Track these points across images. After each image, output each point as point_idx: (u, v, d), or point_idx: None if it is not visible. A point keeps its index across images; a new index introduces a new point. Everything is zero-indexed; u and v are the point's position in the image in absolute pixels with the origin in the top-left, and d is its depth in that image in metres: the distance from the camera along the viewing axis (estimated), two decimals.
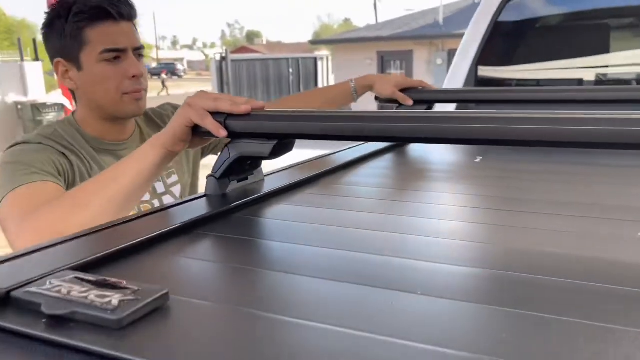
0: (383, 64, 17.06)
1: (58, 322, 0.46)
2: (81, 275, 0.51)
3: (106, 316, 0.44)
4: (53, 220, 0.89)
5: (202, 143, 0.96)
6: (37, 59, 11.91)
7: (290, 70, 17.81)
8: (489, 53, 2.05)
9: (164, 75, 32.21)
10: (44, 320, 0.46)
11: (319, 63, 19.02)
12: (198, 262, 0.66)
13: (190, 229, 0.74)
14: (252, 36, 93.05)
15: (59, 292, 0.48)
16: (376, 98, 1.61)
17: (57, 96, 11.06)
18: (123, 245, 0.63)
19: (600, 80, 1.92)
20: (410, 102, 1.54)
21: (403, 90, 1.56)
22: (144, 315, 0.46)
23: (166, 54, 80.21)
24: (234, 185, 0.90)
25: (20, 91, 11.07)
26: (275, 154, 0.85)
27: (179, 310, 0.49)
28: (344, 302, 0.53)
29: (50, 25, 1.26)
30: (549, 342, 0.44)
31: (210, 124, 0.85)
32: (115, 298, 0.46)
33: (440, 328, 0.48)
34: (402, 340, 0.44)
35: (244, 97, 0.89)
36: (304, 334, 0.46)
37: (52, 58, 1.28)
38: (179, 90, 29.57)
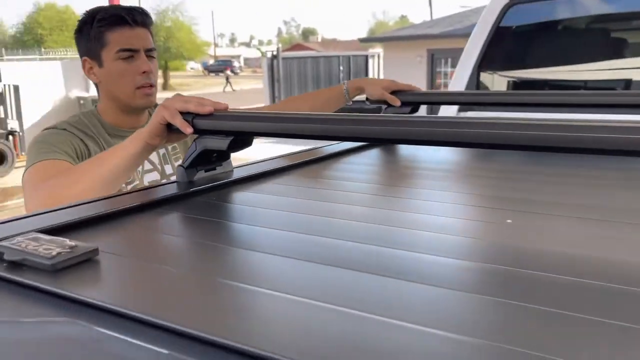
0: (433, 61, 16.91)
1: (15, 266, 0.63)
2: (40, 235, 0.68)
3: (45, 262, 0.61)
4: (54, 191, 1.11)
5: (179, 138, 1.13)
6: None
7: (341, 68, 17.95)
8: (489, 58, 2.14)
9: (228, 72, 33.09)
10: (5, 265, 0.63)
11: (370, 61, 19.08)
12: (147, 231, 0.82)
13: (152, 207, 0.91)
14: (307, 33, 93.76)
15: (19, 245, 0.65)
16: (367, 99, 1.74)
17: None
18: (88, 216, 0.81)
19: (596, 86, 1.97)
20: (398, 103, 1.66)
21: (393, 93, 1.69)
22: (75, 263, 0.63)
23: (224, 51, 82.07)
24: (201, 175, 1.06)
25: (83, 87, 11.75)
26: (232, 148, 1.01)
27: (109, 263, 0.66)
28: (286, 271, 0.66)
29: (80, 30, 1.50)
30: (522, 326, 0.50)
31: (179, 122, 1.01)
32: (55, 250, 0.63)
33: (385, 298, 0.57)
34: (343, 308, 0.53)
35: (222, 103, 1.05)
36: (228, 291, 0.60)
37: (81, 57, 1.51)
38: (235, 87, 30.26)
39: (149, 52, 1.49)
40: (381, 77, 19.02)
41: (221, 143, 1.00)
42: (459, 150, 1.46)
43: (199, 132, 1.02)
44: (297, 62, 17.28)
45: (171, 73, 34.17)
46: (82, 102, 11.13)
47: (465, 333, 0.49)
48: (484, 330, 0.51)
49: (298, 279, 0.64)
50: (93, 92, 11.73)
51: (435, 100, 1.70)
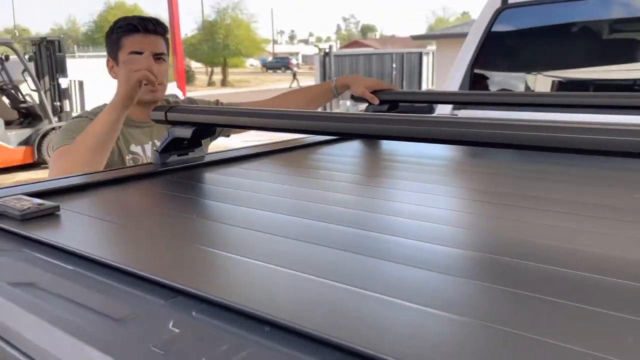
0: None
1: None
2: (23, 196, 0.93)
3: (16, 213, 0.85)
4: (64, 164, 1.38)
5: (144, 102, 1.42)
6: None
7: (394, 65, 17.96)
8: (482, 59, 2.27)
9: (295, 69, 33.65)
10: None
11: (424, 58, 18.97)
12: (111, 197, 1.05)
13: (123, 181, 1.14)
14: (366, 30, 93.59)
15: (4, 202, 0.89)
16: (351, 96, 1.93)
17: (172, 88, 12.22)
18: (64, 185, 1.05)
19: (582, 88, 2.07)
20: (376, 101, 1.84)
21: (375, 92, 1.87)
22: (39, 215, 0.86)
23: (283, 48, 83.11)
24: (174, 158, 1.29)
25: None
26: (196, 137, 1.23)
27: (66, 217, 0.89)
28: (242, 237, 0.88)
29: (107, 36, 1.78)
30: (495, 304, 0.56)
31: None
32: (26, 205, 0.87)
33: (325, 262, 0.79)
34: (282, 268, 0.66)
35: None
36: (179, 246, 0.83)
37: (107, 57, 1.78)
38: (292, 84, 30.74)
39: (157, 56, 1.74)
40: (434, 74, 18.89)
41: (186, 132, 1.22)
42: (444, 147, 1.59)
43: (171, 123, 1.25)
44: (350, 59, 17.45)
45: (231, 70, 35.09)
46: None
47: (437, 307, 0.54)
48: (455, 305, 0.56)
49: (236, 238, 0.85)
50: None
51: (411, 100, 1.87)
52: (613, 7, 2.06)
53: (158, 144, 1.80)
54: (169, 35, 1.89)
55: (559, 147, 0.76)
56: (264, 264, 0.67)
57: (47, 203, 0.89)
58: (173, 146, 1.27)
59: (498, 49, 2.27)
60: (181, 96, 10.21)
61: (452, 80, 2.34)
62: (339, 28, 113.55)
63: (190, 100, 2.06)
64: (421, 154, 1.49)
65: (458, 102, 1.83)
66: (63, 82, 9.16)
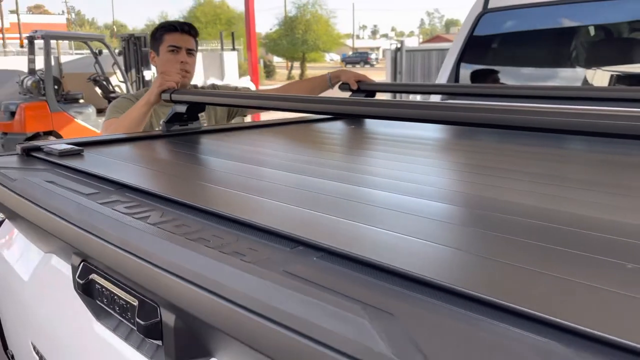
0: None
1: (50, 154, 1.40)
2: (67, 146, 1.45)
3: (55, 153, 1.37)
4: (109, 133, 1.93)
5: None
6: (233, 49, 14.07)
7: None
8: (466, 56, 2.61)
9: (374, 63, 34.00)
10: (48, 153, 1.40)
11: None
12: (126, 148, 1.56)
13: (138, 140, 1.65)
14: (450, 25, 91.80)
15: (53, 146, 1.41)
16: (340, 84, 2.36)
17: (246, 81, 12.99)
18: (94, 139, 1.57)
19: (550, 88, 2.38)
20: (355, 86, 2.28)
21: (358, 82, 2.30)
22: (69, 154, 1.38)
23: (365, 43, 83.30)
24: (177, 128, 1.78)
25: (218, 76, 13.24)
26: (190, 111, 1.72)
27: (87, 156, 1.40)
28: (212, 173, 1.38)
29: (152, 34, 2.33)
30: (465, 238, 0.72)
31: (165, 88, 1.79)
32: (65, 148, 1.39)
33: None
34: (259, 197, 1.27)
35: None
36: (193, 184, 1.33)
37: (150, 49, 2.33)
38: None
39: (189, 50, 2.28)
40: None
41: (182, 108, 1.71)
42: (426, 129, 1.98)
43: (174, 102, 1.75)
44: (421, 54, 17.50)
45: (310, 64, 35.91)
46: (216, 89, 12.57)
47: (415, 235, 0.70)
48: (429, 235, 0.72)
49: (211, 173, 1.33)
50: (227, 81, 13.16)
51: (385, 90, 2.27)
52: (583, 13, 2.35)
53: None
54: (198, 38, 2.42)
55: (525, 126, 0.90)
56: (257, 197, 1.14)
57: (76, 148, 1.41)
58: (175, 118, 1.77)
59: (479, 48, 2.60)
60: (253, 88, 10.92)
61: (442, 76, 2.70)
62: (422, 22, 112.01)
63: (213, 86, 2.58)
64: (401, 134, 1.91)
65: (422, 92, 2.21)
66: (147, 74, 10.10)
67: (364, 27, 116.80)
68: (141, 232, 0.79)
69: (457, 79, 2.65)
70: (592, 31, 2.36)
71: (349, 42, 68.61)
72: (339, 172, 1.25)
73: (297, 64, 35.05)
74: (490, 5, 2.53)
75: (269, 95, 1.66)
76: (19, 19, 37.16)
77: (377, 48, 70.64)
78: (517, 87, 2.21)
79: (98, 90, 10.07)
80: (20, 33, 30.73)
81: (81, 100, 9.54)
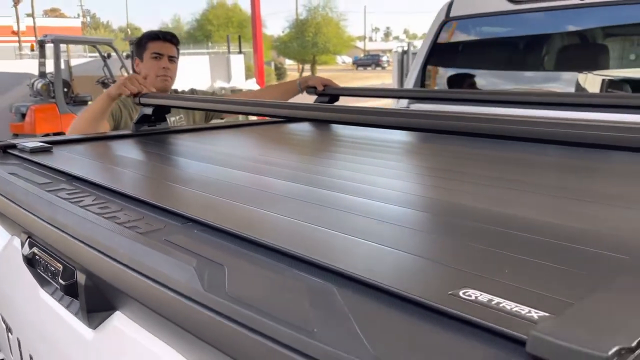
0: None
1: (21, 151, 1.58)
2: (38, 144, 1.63)
3: (27, 150, 1.55)
4: (71, 128, 2.10)
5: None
6: (240, 52, 14.29)
7: None
8: (431, 60, 2.77)
9: (385, 65, 34.11)
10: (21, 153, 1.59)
11: None
12: (93, 147, 1.74)
13: (107, 139, 1.83)
14: None
15: (24, 144, 1.60)
16: (307, 87, 2.53)
17: (252, 83, 13.20)
18: (64, 138, 1.75)
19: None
20: (321, 88, 2.45)
21: (324, 86, 2.47)
22: (39, 151, 1.56)
23: (377, 46, 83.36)
24: (145, 128, 1.96)
25: (225, 78, 13.47)
26: (157, 114, 1.90)
27: (56, 153, 1.58)
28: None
29: (137, 42, 2.54)
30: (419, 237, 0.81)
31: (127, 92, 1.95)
32: (36, 146, 1.57)
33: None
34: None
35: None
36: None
37: (135, 57, 2.52)
38: (376, 81, 31.20)
39: (170, 57, 2.47)
40: None
41: (148, 110, 1.89)
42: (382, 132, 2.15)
43: (142, 104, 1.93)
44: None
45: (321, 67, 36.12)
46: (223, 91, 12.78)
47: (374, 240, 0.75)
48: (389, 239, 0.78)
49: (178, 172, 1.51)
50: (233, 83, 13.34)
51: (348, 94, 2.44)
52: (531, 22, 2.50)
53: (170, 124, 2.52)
54: (179, 46, 2.61)
55: (482, 133, 0.97)
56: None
57: (46, 145, 1.59)
58: (144, 119, 1.95)
59: (442, 53, 2.76)
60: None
61: (410, 78, 2.86)
62: None
63: (192, 91, 2.76)
64: (347, 134, 2.08)
65: (381, 96, 2.37)
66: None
67: (376, 30, 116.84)
68: (70, 212, 0.97)
69: (423, 82, 2.80)
70: (540, 38, 2.51)
71: (361, 44, 68.76)
72: (264, 166, 1.42)
73: (308, 67, 35.28)
74: (451, 15, 2.68)
75: (232, 100, 1.84)
76: (34, 23, 37.83)
77: (389, 50, 70.68)
78: (473, 92, 2.37)
79: None
80: (35, 36, 31.32)
81: (90, 103, 9.81)
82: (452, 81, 2.77)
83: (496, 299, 0.55)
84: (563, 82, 2.36)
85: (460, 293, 0.57)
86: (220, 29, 37.78)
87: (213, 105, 1.90)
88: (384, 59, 52.64)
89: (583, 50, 2.38)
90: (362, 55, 58.31)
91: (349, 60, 57.79)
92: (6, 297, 1.36)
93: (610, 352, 0.42)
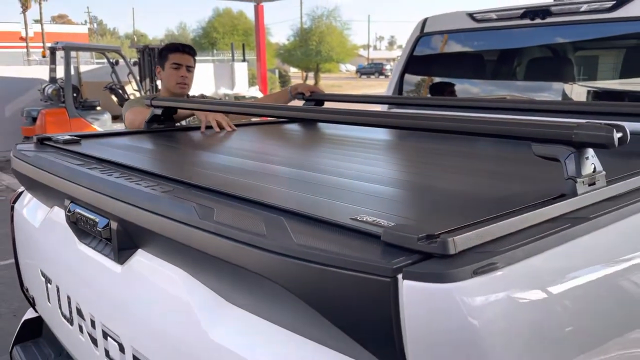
0: None
1: (55, 142, 1.95)
2: (69, 137, 1.99)
3: (60, 141, 1.91)
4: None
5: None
6: (244, 59, 14.71)
7: None
8: (408, 69, 3.13)
9: (389, 74, 34.50)
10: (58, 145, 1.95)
11: None
12: (114, 139, 2.10)
13: (126, 135, 2.19)
14: None
15: (57, 137, 1.96)
16: (296, 93, 2.89)
17: (255, 91, 13.59)
18: (98, 132, 2.11)
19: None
20: (308, 94, 2.81)
21: (311, 92, 2.84)
22: (69, 142, 1.92)
23: (381, 54, 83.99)
24: (156, 126, 2.32)
25: (229, 85, 13.87)
26: (165, 114, 2.26)
27: (84, 144, 1.94)
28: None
29: (159, 53, 2.91)
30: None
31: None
32: (68, 138, 1.93)
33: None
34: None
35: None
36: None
37: (157, 66, 2.89)
38: (378, 89, 31.62)
39: (188, 67, 2.86)
40: None
41: (157, 111, 2.26)
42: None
43: (153, 106, 2.29)
44: None
45: (325, 75, 36.57)
46: (226, 97, 13.19)
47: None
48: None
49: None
50: (237, 90, 13.73)
51: (332, 99, 2.80)
52: (492, 39, 2.86)
53: (183, 122, 2.88)
54: (196, 57, 2.99)
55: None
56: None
57: (75, 138, 1.95)
58: (155, 119, 2.31)
59: (418, 64, 3.12)
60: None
61: (390, 87, 3.22)
62: None
63: (202, 96, 3.13)
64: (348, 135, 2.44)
65: (360, 101, 2.73)
66: (160, 84, 10.75)
67: (381, 38, 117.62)
68: (105, 180, 1.32)
69: (400, 90, 3.16)
70: (498, 52, 2.87)
71: (365, 52, 69.32)
72: (254, 153, 1.78)
73: (312, 75, 35.76)
74: (425, 30, 3.05)
75: (230, 103, 2.19)
76: (42, 29, 38.48)
77: (393, 59, 71.20)
78: (442, 99, 2.74)
79: (114, 98, 10.72)
80: (43, 43, 31.90)
81: (98, 108, 10.21)
82: (433, 88, 3.13)
83: (374, 219, 0.91)
84: (517, 90, 2.71)
85: (357, 217, 0.93)
86: (225, 37, 38.20)
87: (216, 107, 2.26)
88: (388, 67, 53.06)
89: (531, 63, 2.74)
90: (365, 63, 58.82)
91: (352, 68, 58.29)
92: (47, 254, 1.72)
93: (419, 236, 0.78)
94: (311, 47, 32.17)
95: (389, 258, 0.77)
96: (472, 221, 0.85)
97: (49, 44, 10.58)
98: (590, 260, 0.94)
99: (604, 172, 1.08)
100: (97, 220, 1.31)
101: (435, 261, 0.76)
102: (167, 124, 2.36)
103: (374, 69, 51.87)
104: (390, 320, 0.75)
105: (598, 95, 2.40)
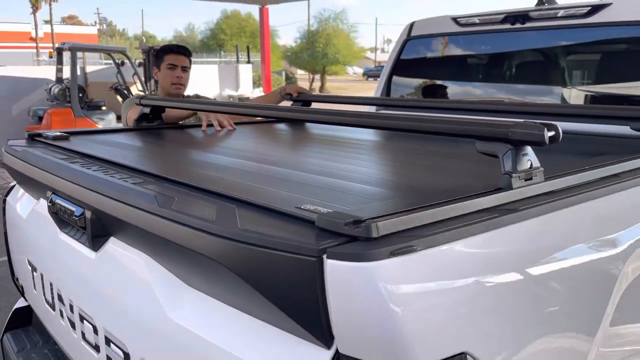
0: None
1: (45, 138, 2.04)
2: (58, 133, 2.08)
3: (50, 137, 2.00)
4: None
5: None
6: (248, 61, 14.82)
7: None
8: (396, 71, 3.21)
9: None
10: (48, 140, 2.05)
11: None
12: (103, 136, 2.19)
13: (115, 132, 2.28)
14: None
15: (48, 134, 2.05)
16: (285, 94, 2.98)
17: (259, 92, 13.70)
18: (84, 130, 2.21)
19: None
20: (295, 95, 2.89)
21: (299, 93, 2.93)
22: (58, 138, 2.01)
23: (387, 57, 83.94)
24: (144, 124, 2.41)
25: (233, 87, 13.99)
26: (152, 114, 2.35)
27: (72, 140, 2.03)
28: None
29: (156, 54, 3.02)
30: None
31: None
32: (57, 135, 2.02)
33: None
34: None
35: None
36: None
37: (154, 67, 2.99)
38: None
39: (183, 68, 2.96)
40: None
41: (145, 110, 2.34)
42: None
43: (142, 105, 2.38)
44: None
45: (332, 77, 36.68)
46: (230, 99, 13.29)
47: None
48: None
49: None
50: (241, 91, 13.84)
51: (317, 100, 2.88)
52: (475, 42, 2.93)
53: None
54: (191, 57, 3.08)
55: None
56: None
57: (64, 134, 2.04)
58: (143, 118, 2.40)
59: (405, 67, 3.20)
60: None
61: (378, 88, 3.30)
62: None
63: (197, 96, 3.22)
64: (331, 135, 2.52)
65: (346, 102, 2.81)
66: None
67: (388, 41, 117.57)
68: (81, 172, 1.41)
69: (388, 91, 3.24)
70: (480, 55, 2.94)
71: (372, 55, 69.37)
72: (230, 149, 1.87)
73: (318, 77, 35.87)
74: (412, 34, 3.12)
75: (218, 103, 2.28)
76: (52, 30, 38.85)
77: None
78: (428, 101, 2.82)
79: (119, 98, 10.85)
80: (53, 43, 32.22)
81: (103, 108, 10.36)
82: (419, 90, 3.21)
83: (315, 208, 0.99)
84: (496, 91, 2.78)
85: (302, 206, 1.01)
86: (233, 39, 38.35)
87: (202, 106, 2.34)
88: None
89: (510, 66, 2.81)
90: (372, 66, 58.88)
91: (360, 70, 58.36)
92: (32, 244, 1.81)
93: (346, 221, 0.85)
94: (318, 49, 32.29)
95: (317, 240, 0.85)
96: (401, 209, 0.93)
97: (58, 45, 10.75)
98: (514, 249, 1.01)
99: (542, 169, 1.15)
100: (74, 210, 1.40)
101: (358, 243, 0.84)
102: (157, 122, 2.45)
103: (380, 72, 51.85)
104: (317, 296, 0.83)
105: (573, 97, 2.47)
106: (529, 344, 0.99)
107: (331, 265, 0.82)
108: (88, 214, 1.34)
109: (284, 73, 33.87)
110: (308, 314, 0.86)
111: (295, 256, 0.84)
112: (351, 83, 42.79)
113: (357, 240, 0.85)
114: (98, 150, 1.77)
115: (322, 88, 33.72)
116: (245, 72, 14.34)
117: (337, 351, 0.86)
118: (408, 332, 0.81)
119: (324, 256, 0.82)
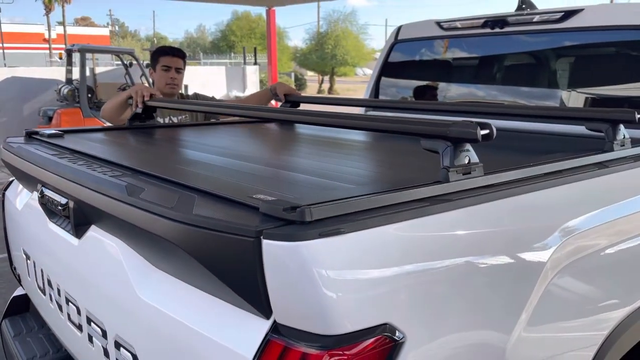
0: None
1: (41, 136, 2.17)
2: (54, 131, 2.22)
3: (45, 135, 2.14)
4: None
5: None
6: (255, 63, 14.99)
7: None
8: (384, 73, 3.32)
9: None
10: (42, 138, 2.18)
11: None
12: (97, 134, 2.32)
13: (110, 130, 2.41)
14: None
15: (44, 132, 2.19)
16: (274, 94, 3.09)
17: None
18: (74, 128, 2.34)
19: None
20: (282, 99, 3.01)
21: (287, 94, 3.04)
22: (53, 136, 2.14)
23: None
24: (137, 123, 2.54)
25: (240, 88, 14.16)
26: (145, 112, 2.48)
27: (67, 138, 2.17)
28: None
29: (152, 55, 3.15)
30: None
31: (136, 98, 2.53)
32: (52, 133, 2.16)
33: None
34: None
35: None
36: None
37: (150, 68, 3.12)
38: None
39: (177, 69, 3.09)
40: None
41: (139, 109, 2.47)
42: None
43: (147, 105, 2.51)
44: None
45: (340, 78, 36.81)
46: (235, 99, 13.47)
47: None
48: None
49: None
50: (248, 92, 14.03)
51: (304, 101, 3.00)
52: (459, 46, 3.03)
53: (175, 119, 3.09)
54: (186, 59, 3.21)
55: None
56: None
57: (59, 132, 2.17)
58: (136, 117, 2.53)
59: (392, 69, 3.30)
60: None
61: (367, 90, 3.41)
62: None
63: (195, 95, 3.34)
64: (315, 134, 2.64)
65: (333, 104, 2.93)
66: None
67: None
68: (67, 166, 1.54)
69: (377, 93, 3.35)
70: (462, 58, 3.04)
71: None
72: (210, 146, 1.99)
73: (327, 78, 36.00)
74: (399, 38, 3.23)
75: (211, 103, 2.41)
76: (65, 31, 39.32)
77: None
78: (415, 103, 2.93)
79: None
80: (65, 44, 32.63)
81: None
82: (406, 91, 3.32)
83: (265, 197, 1.10)
84: (477, 93, 2.89)
85: (254, 195, 1.12)
86: (243, 40, 38.56)
87: (196, 107, 2.47)
88: None
89: (489, 68, 2.91)
90: None
91: (369, 72, 58.34)
92: (27, 234, 1.94)
93: (284, 207, 0.97)
94: (327, 50, 32.43)
95: (257, 223, 0.97)
96: (339, 198, 1.04)
97: (67, 46, 10.96)
98: (439, 236, 1.12)
99: (480, 164, 1.26)
100: (60, 200, 1.52)
101: (293, 226, 0.96)
102: (148, 121, 2.58)
103: None
104: (256, 272, 0.95)
105: (547, 98, 2.57)
106: (449, 320, 1.09)
107: (267, 245, 0.93)
108: (71, 204, 1.46)
109: (293, 74, 34.05)
110: (250, 289, 0.98)
111: (237, 237, 0.96)
112: (360, 85, 42.83)
113: (294, 223, 0.96)
114: (87, 147, 1.90)
115: (330, 89, 33.88)
116: (252, 73, 14.51)
117: (274, 321, 0.97)
118: (333, 304, 0.92)
119: (261, 237, 0.94)
